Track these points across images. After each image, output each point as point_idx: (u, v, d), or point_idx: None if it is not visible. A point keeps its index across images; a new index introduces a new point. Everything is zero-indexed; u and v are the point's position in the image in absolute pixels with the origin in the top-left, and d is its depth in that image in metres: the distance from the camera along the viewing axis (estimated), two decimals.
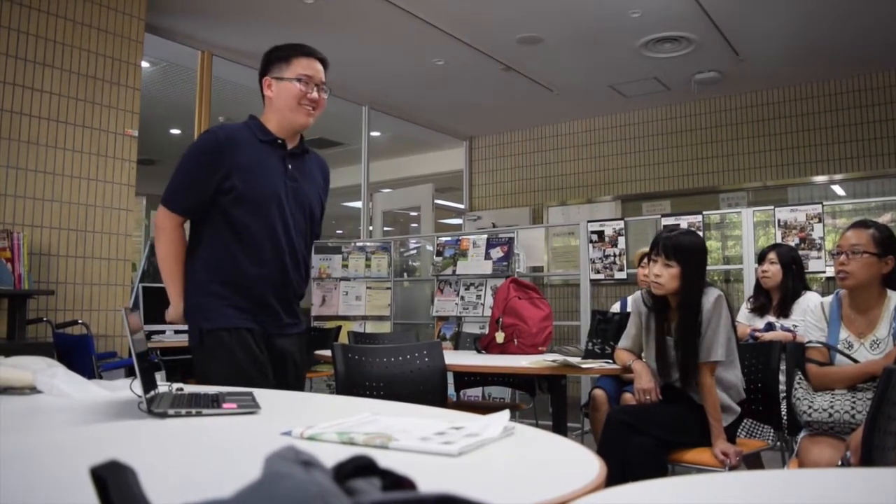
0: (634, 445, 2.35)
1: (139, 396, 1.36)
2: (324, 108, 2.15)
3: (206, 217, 2.05)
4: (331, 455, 0.62)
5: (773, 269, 3.50)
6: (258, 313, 2.03)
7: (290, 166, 2.11)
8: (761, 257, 3.61)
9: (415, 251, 7.75)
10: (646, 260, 3.66)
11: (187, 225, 2.13)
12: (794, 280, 3.49)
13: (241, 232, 2.02)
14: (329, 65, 2.16)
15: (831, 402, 2.23)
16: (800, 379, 2.37)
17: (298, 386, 2.13)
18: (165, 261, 2.07)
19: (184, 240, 2.09)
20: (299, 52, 2.09)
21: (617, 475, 2.14)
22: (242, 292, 2.01)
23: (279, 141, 2.11)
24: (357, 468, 0.52)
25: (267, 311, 2.05)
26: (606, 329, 3.09)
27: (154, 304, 4.47)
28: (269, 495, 0.45)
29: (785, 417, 2.63)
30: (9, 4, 3.72)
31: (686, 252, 2.41)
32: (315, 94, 2.08)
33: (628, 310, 3.56)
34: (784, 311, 3.46)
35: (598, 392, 3.32)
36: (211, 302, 2.00)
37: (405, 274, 7.16)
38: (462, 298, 5.20)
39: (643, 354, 2.67)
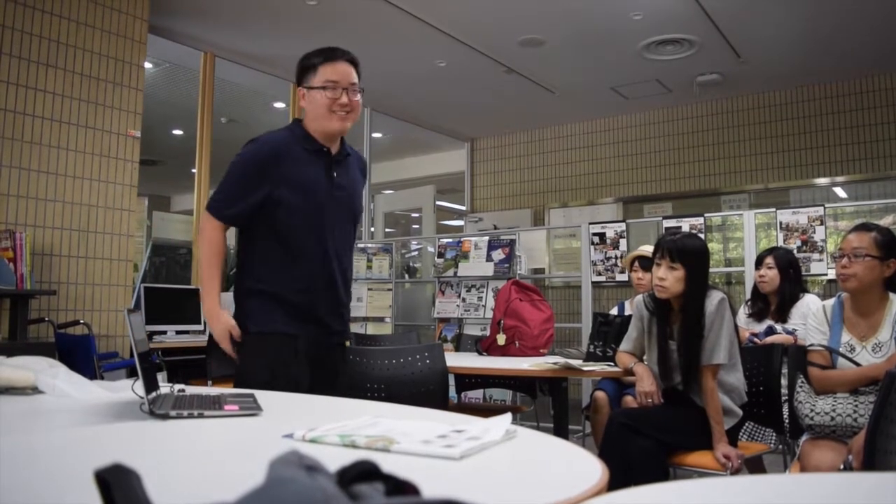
0: (636, 448, 2.35)
1: (141, 398, 1.36)
2: (359, 110, 2.14)
3: (255, 227, 2.09)
4: (333, 458, 0.62)
5: (771, 274, 3.48)
6: (307, 322, 2.07)
7: (335, 174, 2.13)
8: (758, 262, 3.59)
9: (416, 252, 7.76)
10: (636, 263, 3.66)
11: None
12: (792, 284, 3.47)
13: (291, 243, 2.05)
14: (360, 64, 2.13)
15: (833, 405, 2.23)
16: (802, 382, 2.37)
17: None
18: (204, 261, 2.11)
19: (223, 243, 2.13)
20: (325, 57, 2.08)
21: (618, 478, 2.14)
22: (292, 302, 2.05)
23: (324, 149, 2.12)
24: (360, 473, 0.52)
25: (316, 322, 2.09)
26: (608, 331, 3.09)
27: (156, 305, 4.48)
28: (274, 500, 0.45)
29: (787, 421, 2.63)
30: (12, 5, 3.72)
31: (690, 255, 2.41)
32: (345, 99, 2.06)
33: (626, 313, 3.57)
34: (782, 316, 3.44)
35: (600, 394, 3.32)
36: (259, 306, 2.05)
37: (406, 275, 7.16)
38: (463, 300, 5.20)
39: (645, 357, 2.67)
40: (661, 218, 4.76)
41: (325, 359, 2.12)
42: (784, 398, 2.65)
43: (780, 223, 4.16)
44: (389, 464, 0.58)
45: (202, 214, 2.14)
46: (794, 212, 4.16)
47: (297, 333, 2.04)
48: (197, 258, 2.12)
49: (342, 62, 2.08)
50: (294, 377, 1.99)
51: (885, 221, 4.89)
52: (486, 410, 3.93)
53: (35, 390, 1.64)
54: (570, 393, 3.12)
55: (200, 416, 1.31)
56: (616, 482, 0.84)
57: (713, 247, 6.34)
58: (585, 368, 2.84)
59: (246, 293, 2.09)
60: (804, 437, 2.35)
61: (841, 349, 2.32)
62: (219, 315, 2.06)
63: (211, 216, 2.09)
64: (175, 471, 0.94)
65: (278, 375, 1.96)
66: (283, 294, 2.05)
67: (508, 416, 1.12)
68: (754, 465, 2.75)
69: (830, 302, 2.44)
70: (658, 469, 2.33)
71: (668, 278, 2.42)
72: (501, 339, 3.63)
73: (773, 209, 4.30)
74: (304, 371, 2.03)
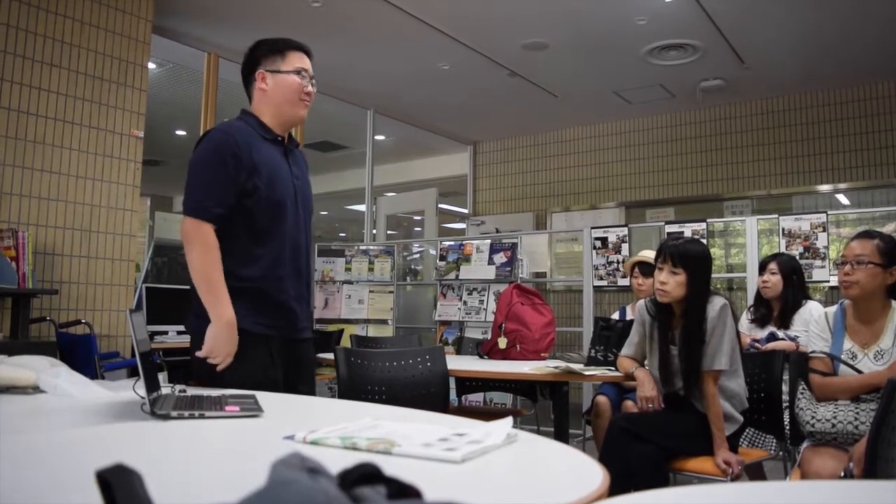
0: (636, 453, 2.34)
1: (142, 398, 1.36)
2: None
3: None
4: (333, 460, 0.62)
5: (774, 280, 3.48)
6: (278, 317, 2.00)
7: (291, 164, 2.09)
8: (762, 267, 3.59)
9: (418, 255, 7.75)
10: (637, 269, 3.67)
11: None
12: (795, 290, 3.47)
13: (263, 234, 1.98)
14: (314, 57, 2.14)
15: (834, 412, 2.23)
16: (803, 389, 2.36)
17: (310, 391, 2.11)
18: (207, 271, 1.89)
19: (218, 246, 1.92)
20: (292, 45, 2.08)
21: (618, 483, 2.13)
22: (264, 295, 1.97)
23: (279, 138, 2.08)
24: (363, 475, 0.52)
25: (287, 314, 2.03)
26: (609, 336, 3.08)
27: (157, 305, 4.48)
28: (276, 501, 0.45)
29: (788, 427, 2.63)
30: (17, 4, 3.73)
31: (692, 260, 2.42)
32: (310, 88, 2.08)
33: (627, 317, 3.57)
34: (785, 322, 3.43)
35: (602, 399, 3.32)
36: (237, 304, 1.91)
37: (408, 278, 7.16)
38: (465, 303, 5.20)
39: (646, 362, 2.67)
40: (663, 223, 4.76)
41: (297, 356, 2.07)
42: (785, 405, 2.64)
43: (783, 229, 4.16)
44: (390, 466, 0.58)
45: (185, 222, 1.92)
46: (797, 218, 4.16)
47: (272, 335, 1.98)
48: (200, 270, 1.95)
49: (305, 53, 2.10)
50: (272, 378, 1.94)
51: (888, 229, 4.88)
52: (486, 414, 3.92)
53: (36, 389, 1.64)
54: (570, 397, 3.11)
55: (202, 416, 1.31)
56: (616, 487, 0.84)
57: (715, 252, 6.33)
58: (586, 373, 2.84)
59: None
60: (805, 444, 2.34)
61: (843, 356, 2.31)
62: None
63: (197, 220, 1.90)
64: (176, 471, 0.94)
65: (261, 376, 1.91)
66: (257, 286, 1.96)
67: (510, 420, 1.12)
68: (754, 472, 2.75)
69: (833, 309, 2.44)
70: (658, 474, 2.33)
71: (670, 283, 2.42)
72: (503, 342, 3.62)
73: (776, 215, 4.29)
74: (280, 371, 1.99)
